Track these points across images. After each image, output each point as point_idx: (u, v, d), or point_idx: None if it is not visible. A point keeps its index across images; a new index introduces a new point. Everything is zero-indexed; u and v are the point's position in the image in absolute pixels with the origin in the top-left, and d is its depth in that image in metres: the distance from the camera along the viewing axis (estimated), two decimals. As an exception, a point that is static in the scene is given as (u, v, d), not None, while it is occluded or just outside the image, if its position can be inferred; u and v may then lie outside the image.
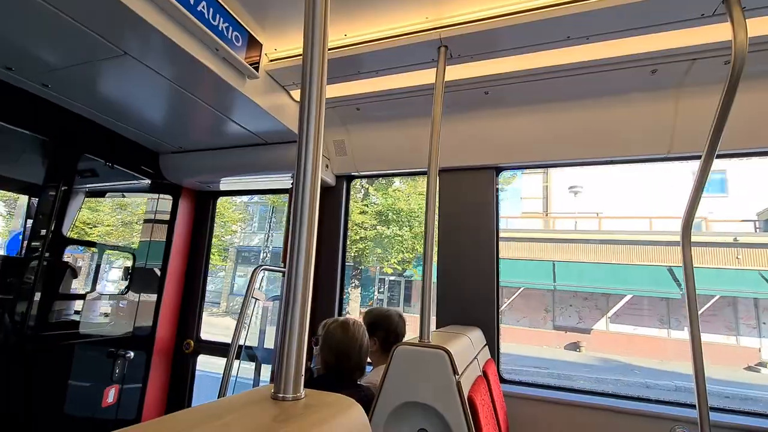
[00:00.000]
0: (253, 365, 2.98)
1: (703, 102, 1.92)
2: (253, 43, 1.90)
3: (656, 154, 2.16)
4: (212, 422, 0.52)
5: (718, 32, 1.62)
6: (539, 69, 1.93)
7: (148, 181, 2.96)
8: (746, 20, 1.31)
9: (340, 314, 2.80)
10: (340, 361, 1.73)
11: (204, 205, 3.34)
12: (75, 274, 2.74)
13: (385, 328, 2.05)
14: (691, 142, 2.04)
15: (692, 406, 1.80)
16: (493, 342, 2.29)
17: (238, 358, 2.42)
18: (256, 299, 2.46)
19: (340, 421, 0.60)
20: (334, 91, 2.30)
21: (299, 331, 0.63)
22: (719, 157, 1.76)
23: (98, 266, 2.73)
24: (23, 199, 2.44)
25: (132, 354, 2.78)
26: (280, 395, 0.60)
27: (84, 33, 1.50)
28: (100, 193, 3.39)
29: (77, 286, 2.80)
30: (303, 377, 0.62)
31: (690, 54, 1.75)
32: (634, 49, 1.76)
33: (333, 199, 2.91)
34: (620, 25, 1.59)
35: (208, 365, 3.27)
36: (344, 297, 2.86)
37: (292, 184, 2.93)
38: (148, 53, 1.66)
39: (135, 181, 2.95)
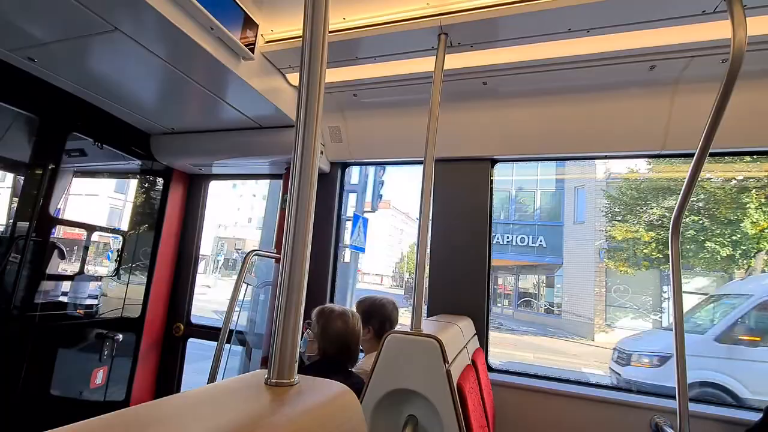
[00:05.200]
0: (243, 349, 2.99)
1: (698, 100, 1.93)
2: (248, 24, 1.86)
3: (650, 150, 2.18)
4: (205, 407, 0.52)
5: (717, 30, 1.62)
6: (538, 61, 1.92)
7: (139, 162, 2.91)
8: (746, 19, 1.31)
9: (332, 301, 2.81)
10: (339, 352, 1.77)
11: (196, 189, 3.30)
12: (63, 254, 2.70)
13: (379, 317, 2.09)
14: (685, 140, 2.06)
15: (672, 397, 1.85)
16: (482, 331, 2.32)
17: (228, 342, 2.43)
18: (248, 284, 2.45)
19: (333, 407, 0.61)
20: (330, 76, 2.26)
21: (294, 318, 0.63)
22: (712, 155, 1.78)
23: (86, 247, 2.69)
24: (8, 177, 2.37)
25: (121, 336, 2.76)
26: (274, 381, 0.60)
27: (72, 6, 1.44)
28: (90, 174, 3.32)
29: (66, 267, 2.77)
30: (297, 363, 0.62)
31: (688, 51, 1.75)
32: (634, 44, 1.76)
33: (327, 186, 2.90)
34: (622, 18, 1.58)
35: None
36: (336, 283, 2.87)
37: (286, 169, 2.90)
38: (140, 29, 1.61)
39: (126, 162, 2.90)
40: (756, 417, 1.77)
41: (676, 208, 1.74)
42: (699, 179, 1.62)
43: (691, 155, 1.61)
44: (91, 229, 2.70)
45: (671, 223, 1.77)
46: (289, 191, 0.67)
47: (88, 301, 2.72)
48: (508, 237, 19.24)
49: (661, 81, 1.97)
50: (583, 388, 2.16)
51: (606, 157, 2.30)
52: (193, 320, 3.19)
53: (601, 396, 2.08)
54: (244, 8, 1.82)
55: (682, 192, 1.69)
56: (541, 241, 18.52)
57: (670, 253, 1.80)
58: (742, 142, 2.01)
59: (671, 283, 1.83)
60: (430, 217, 2.43)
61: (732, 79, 1.35)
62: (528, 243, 18.73)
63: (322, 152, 2.81)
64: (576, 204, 16.67)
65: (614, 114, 2.13)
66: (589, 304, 14.52)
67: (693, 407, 1.82)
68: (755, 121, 1.94)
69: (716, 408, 1.96)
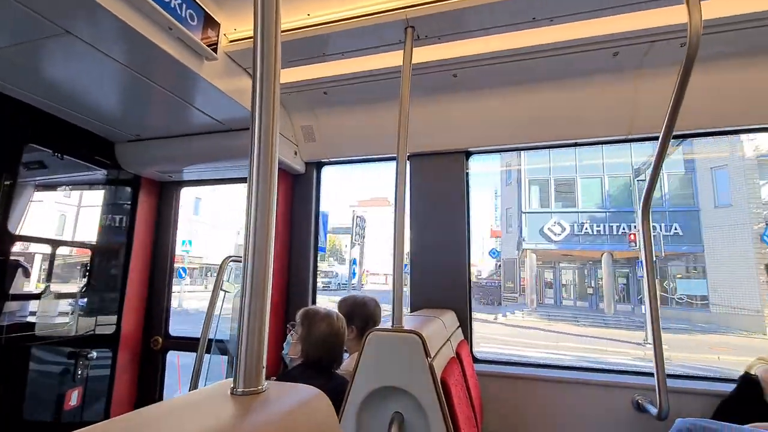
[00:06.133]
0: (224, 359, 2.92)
1: (660, 84, 1.98)
2: (210, 23, 1.80)
3: (617, 135, 2.23)
4: (165, 422, 0.48)
5: (676, 15, 1.67)
6: (506, 51, 1.93)
7: (104, 172, 2.79)
8: (701, 2, 1.34)
9: (313, 301, 2.77)
10: (322, 355, 1.74)
11: (168, 197, 3.19)
12: (27, 273, 2.56)
13: (362, 316, 2.06)
14: (650, 124, 2.11)
15: (651, 375, 1.90)
16: (465, 324, 2.34)
17: (208, 352, 2.36)
18: (226, 291, 2.39)
19: (302, 412, 0.58)
20: (299, 74, 2.22)
21: (259, 323, 0.60)
22: (676, 137, 1.83)
23: (52, 263, 2.56)
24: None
25: (95, 354, 2.65)
26: (240, 390, 0.57)
27: (14, 8, 1.36)
28: (52, 187, 3.17)
29: (31, 287, 2.63)
30: (264, 369, 0.60)
31: (649, 36, 1.79)
32: (597, 31, 1.79)
33: (303, 186, 2.86)
34: (584, 6, 1.60)
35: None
36: (317, 283, 2.84)
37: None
38: (93, 32, 1.53)
39: (90, 173, 2.77)
40: (730, 388, 1.84)
41: (644, 190, 1.79)
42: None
43: (657, 138, 1.65)
44: (56, 244, 2.58)
45: (641, 205, 1.81)
46: (247, 193, 0.64)
47: (58, 320, 2.60)
48: (635, 226, 17.05)
49: (624, 67, 2.01)
50: (566, 372, 2.20)
51: (575, 144, 2.34)
52: (174, 333, 3.09)
53: (584, 378, 2.12)
54: (204, 7, 1.75)
55: (649, 175, 1.73)
56: (676, 229, 16.75)
57: (641, 234, 1.85)
58: (706, 124, 2.08)
59: (643, 264, 1.88)
60: (408, 213, 2.42)
61: (690, 62, 1.39)
62: (660, 231, 16.70)
63: (296, 153, 2.76)
64: (715, 186, 15.41)
65: (582, 101, 2.17)
66: (752, 295, 13.15)
67: (671, 383, 1.87)
68: (717, 103, 2.01)
69: (693, 382, 2.03)
